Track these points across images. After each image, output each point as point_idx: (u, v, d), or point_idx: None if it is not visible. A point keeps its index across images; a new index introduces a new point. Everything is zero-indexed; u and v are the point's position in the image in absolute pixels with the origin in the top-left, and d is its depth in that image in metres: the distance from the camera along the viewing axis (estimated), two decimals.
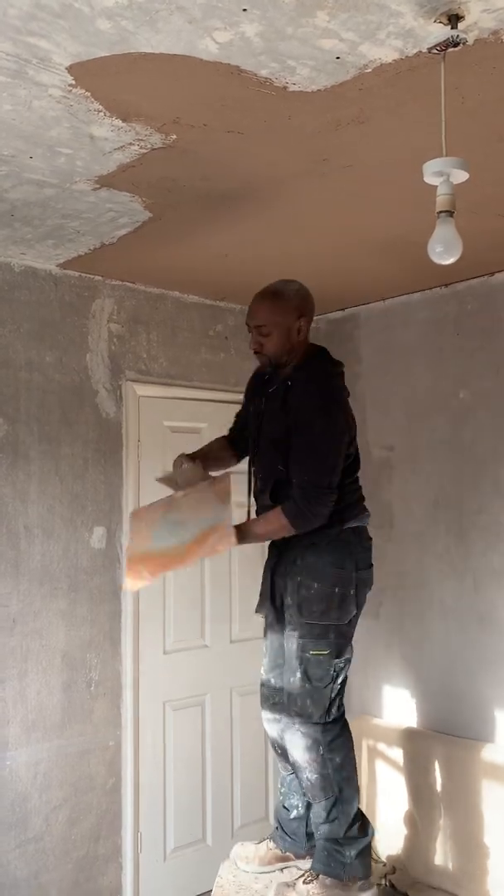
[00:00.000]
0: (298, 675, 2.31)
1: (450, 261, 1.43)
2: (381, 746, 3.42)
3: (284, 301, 2.34)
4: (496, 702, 3.16)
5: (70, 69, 1.67)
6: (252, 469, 2.47)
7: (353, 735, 3.55)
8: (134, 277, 3.24)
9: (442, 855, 3.10)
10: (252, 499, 2.48)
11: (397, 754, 3.36)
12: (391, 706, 3.56)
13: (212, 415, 3.63)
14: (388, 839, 3.32)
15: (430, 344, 3.48)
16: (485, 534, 3.24)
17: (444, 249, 1.42)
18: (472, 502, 3.29)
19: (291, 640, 2.35)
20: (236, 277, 3.23)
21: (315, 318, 3.92)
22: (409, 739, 3.33)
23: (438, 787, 3.17)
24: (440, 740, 3.25)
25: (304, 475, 2.26)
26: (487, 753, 3.07)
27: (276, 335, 2.32)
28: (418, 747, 3.29)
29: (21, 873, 2.87)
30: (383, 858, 3.34)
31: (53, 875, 2.95)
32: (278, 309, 2.33)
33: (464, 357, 3.34)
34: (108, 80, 1.71)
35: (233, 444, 2.64)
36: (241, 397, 3.71)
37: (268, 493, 2.38)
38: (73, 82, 1.72)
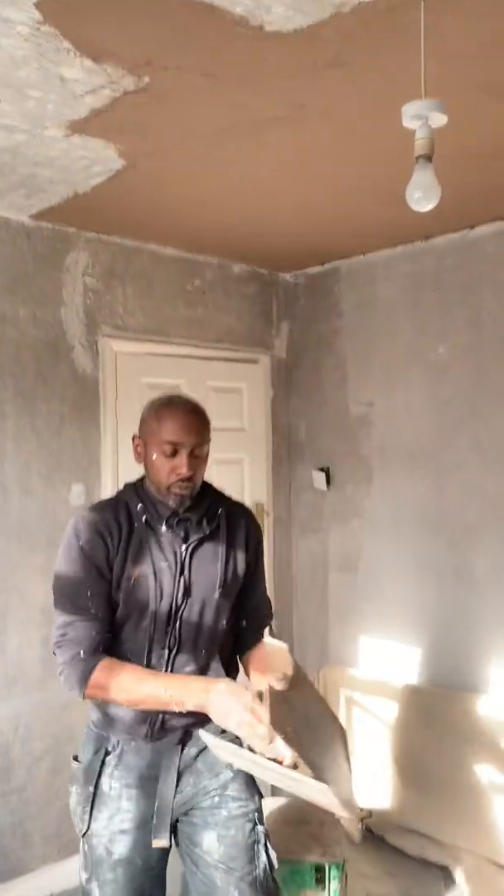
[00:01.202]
0: (263, 861, 1.86)
1: (428, 207, 1.40)
2: (357, 696, 3.49)
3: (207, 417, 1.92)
4: (469, 653, 3.23)
5: (38, 5, 1.60)
6: (168, 639, 1.83)
7: (332, 685, 3.65)
8: (108, 229, 3.18)
9: (417, 799, 3.19)
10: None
11: (373, 703, 3.43)
12: (367, 658, 3.62)
13: (190, 371, 3.61)
14: (364, 786, 3.41)
15: (409, 299, 3.46)
16: (461, 489, 3.27)
17: (422, 195, 1.39)
18: (450, 458, 3.31)
19: (242, 824, 1.86)
20: (214, 229, 3.18)
21: (295, 272, 3.93)
22: (384, 689, 3.40)
23: (412, 735, 3.25)
24: (414, 690, 3.32)
25: (266, 600, 2.09)
26: (460, 701, 3.14)
27: (206, 459, 1.87)
28: (393, 696, 3.36)
29: (5, 821, 2.92)
30: (359, 804, 3.42)
31: (37, 823, 3.01)
32: (209, 426, 1.89)
33: (443, 312, 3.33)
34: (78, 17, 1.65)
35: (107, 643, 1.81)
36: (220, 353, 3.73)
37: (206, 662, 1.87)
38: (41, 19, 1.65)
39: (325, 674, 3.66)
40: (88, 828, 1.82)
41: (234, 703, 1.63)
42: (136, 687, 1.72)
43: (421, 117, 1.43)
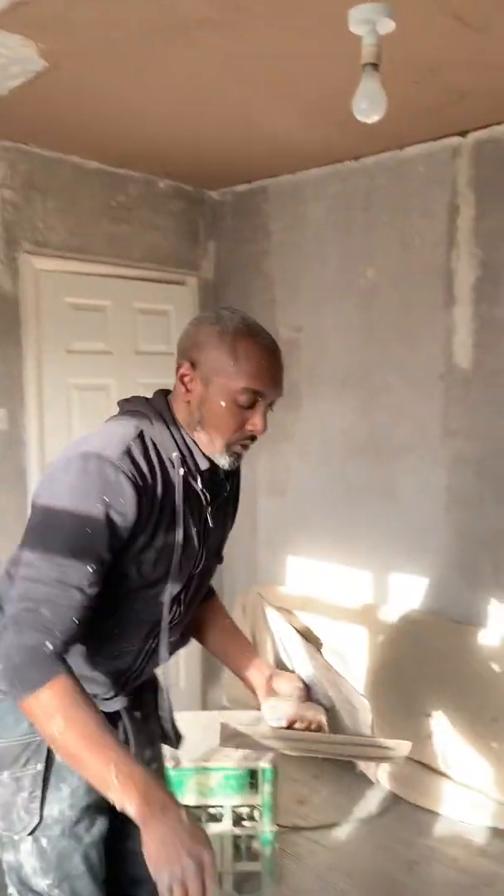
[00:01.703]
0: None
1: (374, 118, 1.37)
2: None
3: None
4: (394, 569, 3.37)
5: None
6: (172, 613, 1.50)
7: (260, 602, 3.75)
8: (28, 138, 2.99)
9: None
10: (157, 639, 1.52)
11: (301, 618, 3.55)
12: (295, 577, 3.73)
13: (115, 291, 3.50)
14: None
15: (339, 220, 3.42)
16: (388, 412, 3.33)
17: (368, 106, 1.36)
18: (378, 382, 3.36)
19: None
20: (139, 141, 3.03)
21: (222, 190, 3.82)
22: (312, 605, 3.52)
23: (336, 645, 3.40)
24: (340, 605, 3.45)
25: None
26: (382, 615, 3.29)
27: None
28: (320, 611, 3.48)
29: None
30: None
31: None
32: None
33: (372, 234, 3.32)
34: None
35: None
36: (147, 273, 3.62)
37: (185, 631, 1.64)
38: None
39: (253, 592, 3.75)
40: (41, 819, 1.40)
41: (184, 856, 1.13)
42: (83, 742, 1.22)
43: (369, 22, 1.38)
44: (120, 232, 3.42)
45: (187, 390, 1.41)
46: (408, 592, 3.32)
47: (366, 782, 3.15)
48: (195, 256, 3.78)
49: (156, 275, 3.64)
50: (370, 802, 3.07)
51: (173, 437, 1.41)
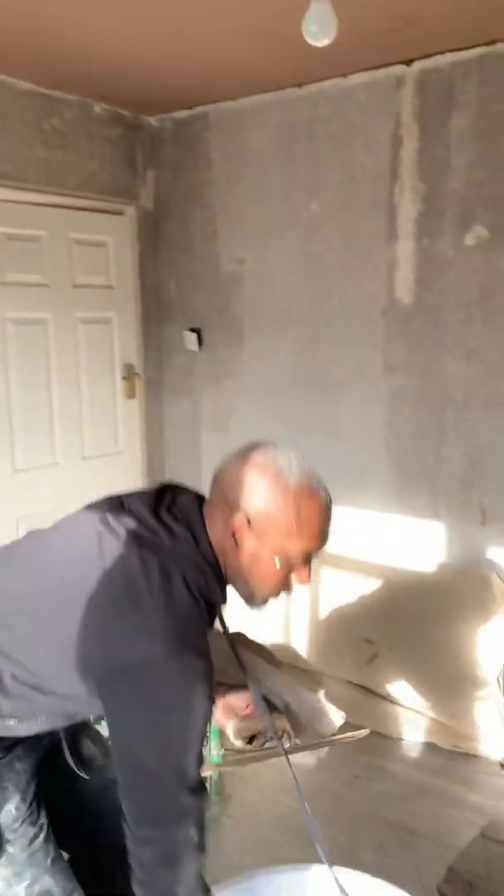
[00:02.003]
0: None
1: (325, 42, 1.33)
2: None
3: None
4: (336, 502, 3.42)
5: None
6: None
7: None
8: None
9: (290, 633, 3.46)
10: None
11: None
12: None
13: (50, 221, 3.37)
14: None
15: (282, 150, 3.35)
16: (330, 346, 3.34)
17: (318, 29, 1.32)
18: (320, 316, 3.35)
19: None
20: (74, 61, 2.88)
21: (161, 116, 3.68)
22: None
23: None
24: None
25: None
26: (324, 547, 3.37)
27: None
28: None
29: None
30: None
31: None
32: None
33: (316, 165, 3.26)
34: None
35: None
36: (83, 202, 3.48)
37: None
38: None
39: None
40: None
41: None
42: None
43: None
44: (54, 158, 3.28)
45: (235, 544, 1.30)
46: (349, 525, 3.40)
47: None
48: (134, 185, 3.66)
49: (93, 204, 3.52)
50: None
51: (219, 587, 1.33)
